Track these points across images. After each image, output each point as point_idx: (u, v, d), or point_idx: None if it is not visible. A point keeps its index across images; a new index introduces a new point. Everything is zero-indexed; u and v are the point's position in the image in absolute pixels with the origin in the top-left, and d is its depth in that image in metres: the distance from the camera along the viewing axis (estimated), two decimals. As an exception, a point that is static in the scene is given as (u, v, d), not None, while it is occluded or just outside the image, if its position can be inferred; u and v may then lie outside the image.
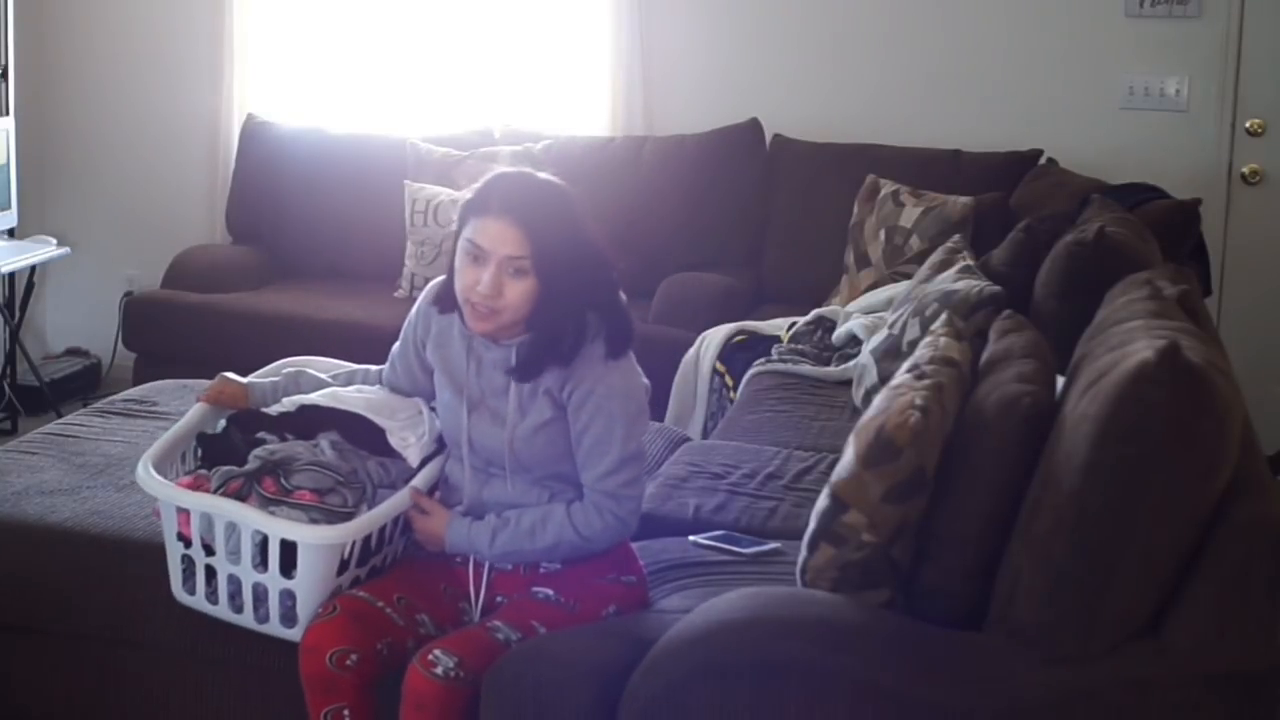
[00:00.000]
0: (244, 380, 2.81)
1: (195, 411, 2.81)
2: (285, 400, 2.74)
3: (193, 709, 2.80)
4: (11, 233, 5.41)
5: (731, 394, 4.22)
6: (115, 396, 3.79)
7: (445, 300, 2.57)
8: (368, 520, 2.55)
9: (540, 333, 2.46)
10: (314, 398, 2.70)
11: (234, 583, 2.59)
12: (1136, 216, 3.79)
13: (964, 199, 4.68)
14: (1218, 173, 5.03)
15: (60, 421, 3.58)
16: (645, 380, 2.55)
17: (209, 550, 2.59)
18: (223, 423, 2.80)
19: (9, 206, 5.29)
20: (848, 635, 2.10)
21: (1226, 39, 4.98)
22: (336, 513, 2.57)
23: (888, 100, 5.30)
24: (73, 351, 5.99)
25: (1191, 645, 2.01)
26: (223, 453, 2.73)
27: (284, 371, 2.85)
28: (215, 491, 2.58)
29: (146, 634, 2.79)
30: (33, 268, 5.49)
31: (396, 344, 2.75)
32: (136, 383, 4.47)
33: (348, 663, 2.39)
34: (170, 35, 5.83)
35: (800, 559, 2.32)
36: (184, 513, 2.60)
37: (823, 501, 2.29)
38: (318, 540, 2.49)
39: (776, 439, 3.57)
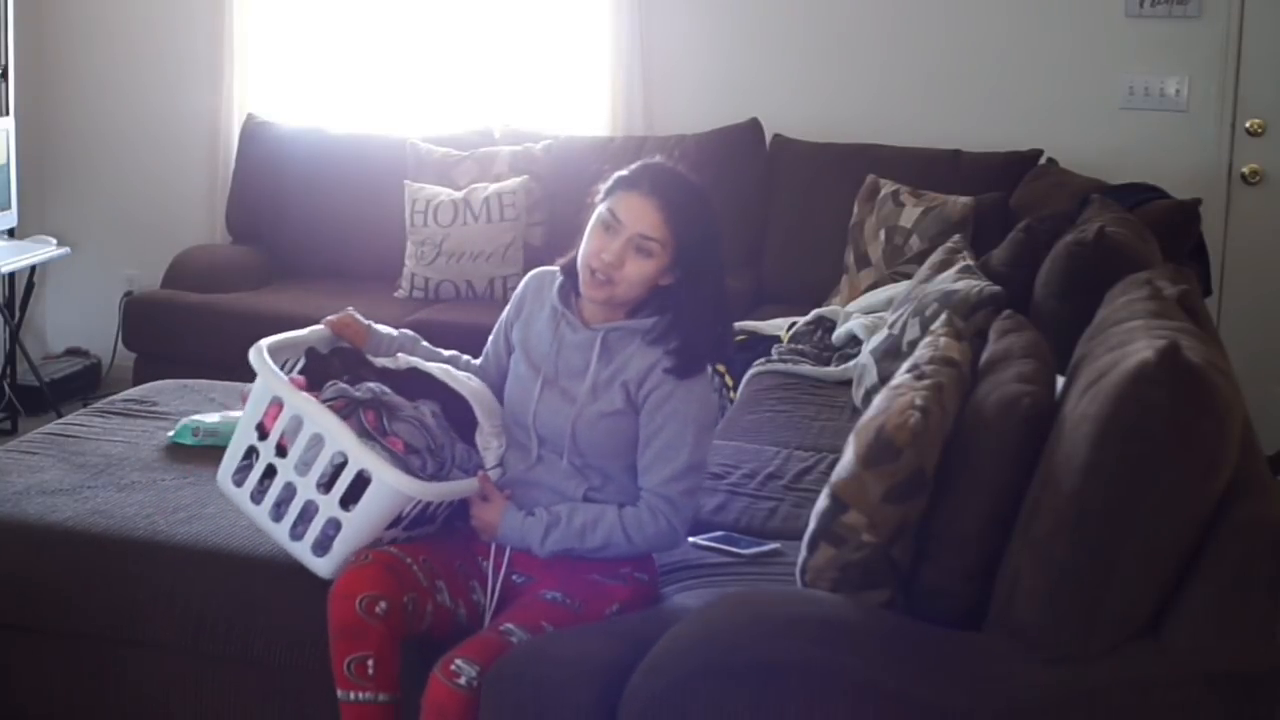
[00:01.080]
0: (367, 322, 2.84)
1: (316, 330, 2.81)
2: (400, 357, 2.76)
3: (193, 708, 2.80)
4: (11, 233, 5.41)
5: (731, 394, 4.22)
6: (115, 396, 3.80)
7: (569, 266, 2.63)
8: (444, 488, 2.57)
9: (691, 321, 2.53)
10: (430, 367, 2.73)
11: (288, 490, 2.59)
12: (1136, 216, 3.78)
13: (964, 199, 4.68)
14: (1218, 173, 5.03)
15: (60, 421, 3.58)
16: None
17: (279, 452, 2.60)
18: (330, 355, 2.80)
19: (9, 206, 5.29)
20: (848, 635, 2.10)
21: (1226, 39, 4.98)
22: (414, 474, 2.58)
23: (888, 100, 5.31)
24: (73, 351, 5.99)
25: (1191, 645, 2.01)
26: (321, 374, 2.73)
27: (402, 330, 2.88)
28: (323, 402, 2.58)
29: (146, 634, 2.79)
30: (33, 268, 5.49)
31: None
32: (136, 383, 4.47)
33: (377, 610, 2.41)
34: (170, 35, 5.83)
35: (800, 559, 2.32)
36: (276, 405, 2.59)
37: (823, 501, 2.29)
38: (397, 485, 2.49)
39: (776, 439, 3.57)
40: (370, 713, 2.42)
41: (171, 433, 3.38)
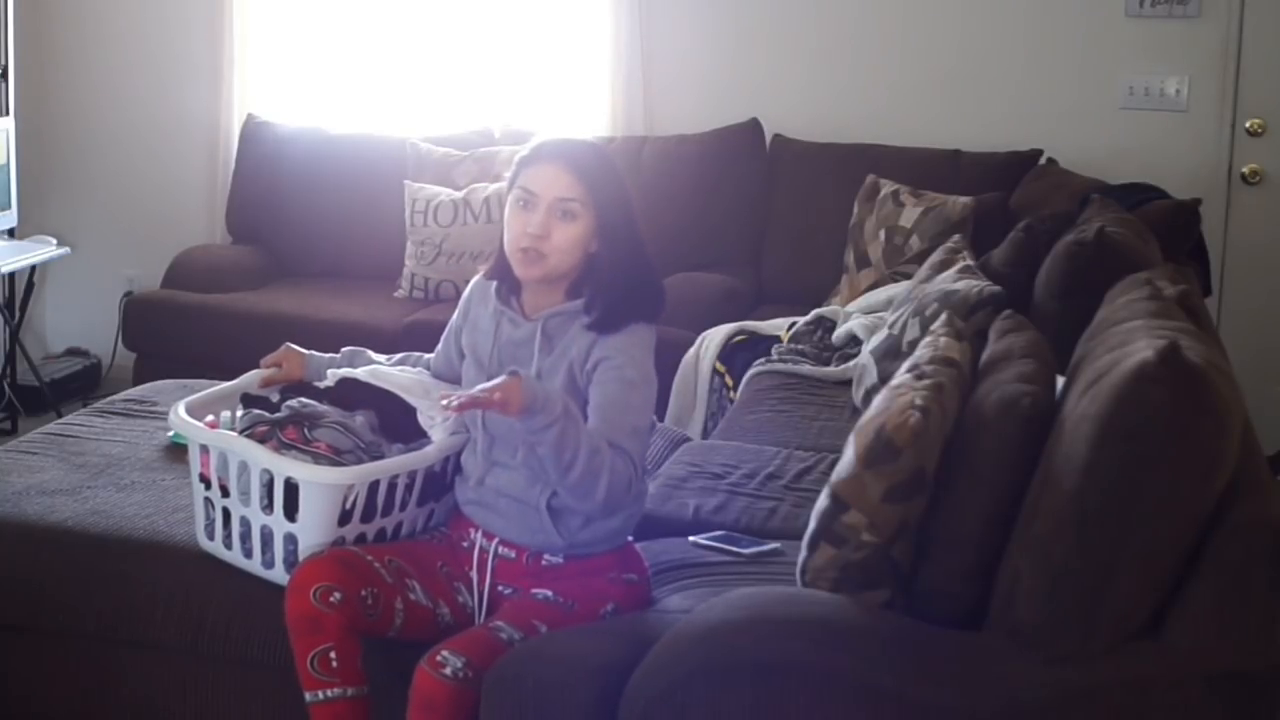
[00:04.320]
0: (305, 352, 2.89)
1: (248, 376, 2.90)
2: (330, 373, 2.81)
3: (193, 709, 2.80)
4: (11, 233, 5.41)
5: (731, 394, 4.22)
6: (115, 396, 3.80)
7: (494, 267, 2.64)
8: (371, 468, 2.59)
9: (612, 278, 2.51)
10: (355, 372, 2.76)
11: (245, 525, 2.66)
12: (1136, 216, 3.78)
13: (964, 199, 4.68)
14: (1218, 173, 5.03)
15: (60, 421, 3.58)
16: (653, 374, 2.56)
17: (224, 493, 2.67)
18: (277, 397, 2.85)
19: (9, 206, 5.29)
20: (848, 635, 2.10)
21: (1226, 39, 4.98)
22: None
23: (888, 100, 5.30)
24: (73, 351, 5.99)
25: (1191, 645, 2.01)
26: (265, 410, 2.79)
27: (342, 350, 2.91)
28: (241, 434, 2.65)
29: (146, 634, 2.79)
30: (33, 268, 5.49)
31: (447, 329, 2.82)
32: (136, 383, 4.47)
33: (332, 599, 2.42)
34: (170, 35, 5.83)
35: (800, 559, 2.32)
36: (206, 453, 2.69)
37: (823, 501, 2.29)
38: (317, 479, 2.54)
39: (776, 439, 3.57)
40: (342, 709, 2.43)
41: (171, 433, 3.38)
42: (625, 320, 2.52)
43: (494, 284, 2.66)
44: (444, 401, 2.38)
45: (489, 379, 2.56)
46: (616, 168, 2.59)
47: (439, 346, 2.82)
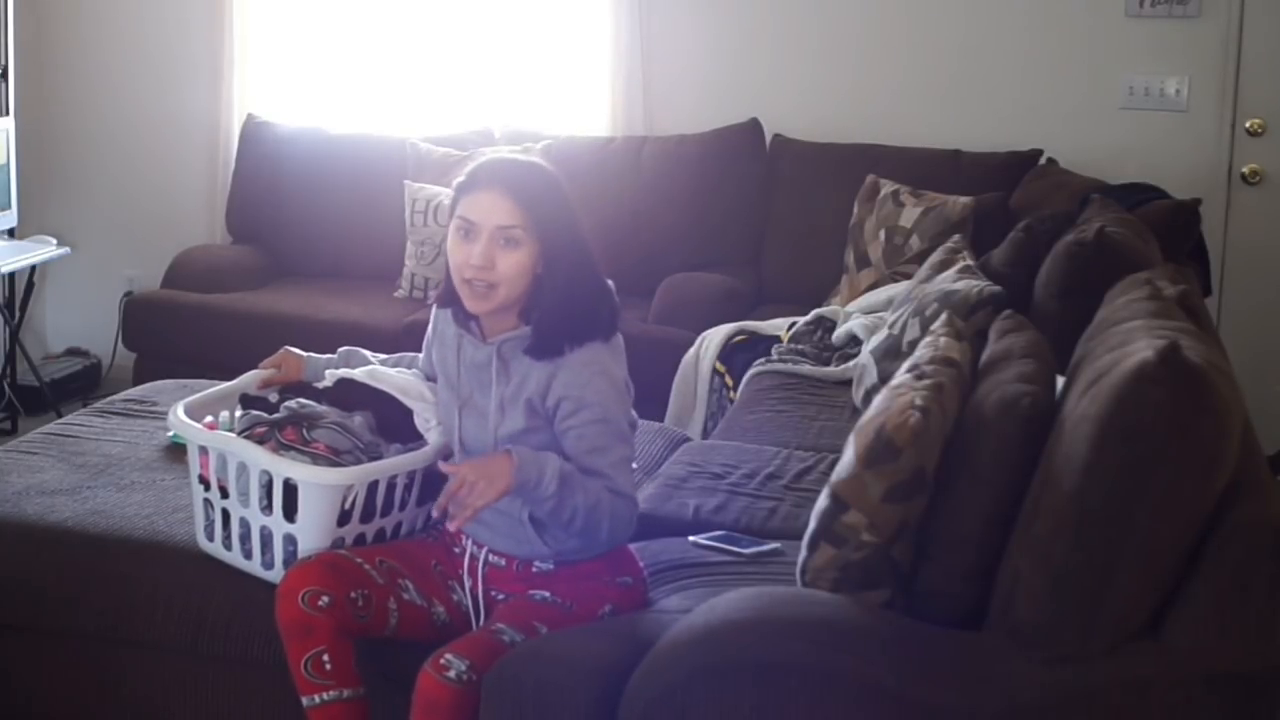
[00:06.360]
0: (303, 354, 2.89)
1: (246, 377, 2.89)
2: (328, 373, 2.81)
3: (193, 709, 2.80)
4: (11, 233, 5.41)
5: (731, 394, 4.22)
6: (115, 396, 3.80)
7: (444, 295, 2.61)
8: (370, 468, 2.59)
9: (552, 303, 2.46)
10: (353, 373, 2.76)
11: (245, 526, 2.66)
12: (1136, 216, 3.78)
13: (964, 199, 4.68)
14: (1218, 173, 5.03)
15: (60, 421, 3.58)
16: (626, 375, 2.54)
17: (223, 495, 2.68)
18: (275, 397, 2.85)
19: (9, 206, 5.29)
20: (848, 635, 2.10)
21: (1226, 39, 4.98)
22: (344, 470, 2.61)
23: (888, 100, 5.30)
24: (73, 351, 5.99)
25: (1191, 645, 2.01)
26: (264, 411, 2.80)
27: (339, 350, 2.91)
28: (239, 434, 2.65)
29: (146, 634, 2.79)
30: (33, 268, 5.49)
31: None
32: (136, 383, 4.47)
33: (320, 603, 2.42)
34: (170, 35, 5.83)
35: (800, 559, 2.32)
36: (205, 455, 2.69)
37: (823, 501, 2.29)
38: (317, 480, 2.54)
39: (776, 439, 3.57)
40: (339, 711, 2.43)
41: (171, 433, 3.38)
42: (572, 344, 2.46)
43: (449, 311, 2.63)
44: (450, 526, 2.39)
45: (460, 400, 2.58)
46: (560, 186, 2.50)
47: (423, 353, 2.81)
